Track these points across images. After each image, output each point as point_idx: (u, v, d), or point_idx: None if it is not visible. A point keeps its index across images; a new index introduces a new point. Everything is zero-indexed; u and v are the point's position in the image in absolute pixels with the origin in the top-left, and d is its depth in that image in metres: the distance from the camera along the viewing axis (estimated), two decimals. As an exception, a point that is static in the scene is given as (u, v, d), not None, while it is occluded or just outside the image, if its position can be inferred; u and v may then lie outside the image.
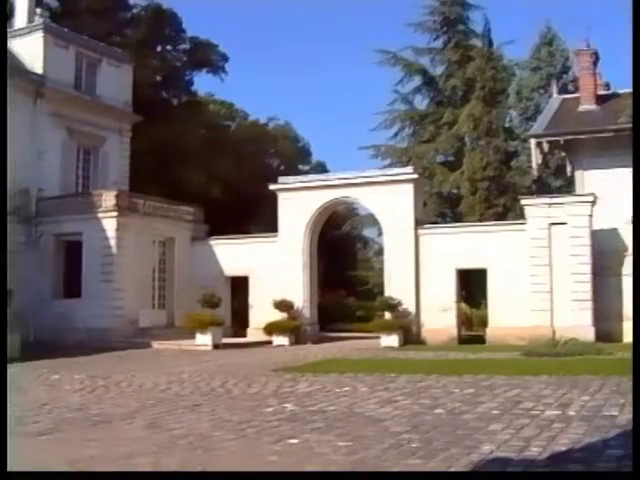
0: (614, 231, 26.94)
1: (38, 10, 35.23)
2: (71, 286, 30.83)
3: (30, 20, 34.63)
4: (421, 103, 50.37)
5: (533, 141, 29.98)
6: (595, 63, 30.49)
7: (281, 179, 32.37)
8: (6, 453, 7.50)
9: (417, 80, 49.71)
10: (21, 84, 31.94)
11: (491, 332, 27.52)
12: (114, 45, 39.91)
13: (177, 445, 9.68)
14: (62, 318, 28.91)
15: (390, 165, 45.06)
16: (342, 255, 51.48)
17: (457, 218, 41.39)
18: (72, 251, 31.08)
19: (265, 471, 8.16)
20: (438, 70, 49.28)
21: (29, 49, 33.30)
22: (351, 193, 30.93)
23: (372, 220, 36.54)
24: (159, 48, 51.51)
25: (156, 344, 27.78)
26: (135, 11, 50.46)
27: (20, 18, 35.29)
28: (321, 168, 57.58)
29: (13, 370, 19.66)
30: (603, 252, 26.55)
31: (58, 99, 33.16)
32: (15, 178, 30.59)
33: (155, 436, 10.35)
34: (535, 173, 35.44)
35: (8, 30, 34.38)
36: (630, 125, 20.28)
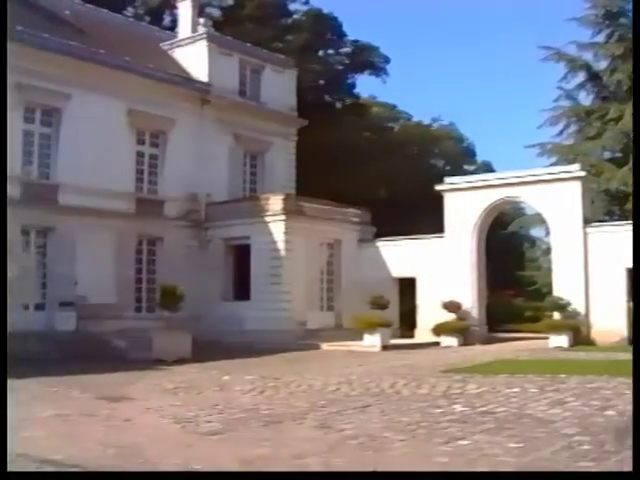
0: None
1: (201, 20, 36.01)
2: (239, 289, 31.22)
3: (194, 30, 35.44)
4: (586, 99, 48.37)
5: None
6: None
7: (447, 179, 31.76)
8: (6, 453, 7.45)
9: (581, 76, 47.73)
10: (187, 92, 32.67)
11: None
12: (276, 51, 40.35)
13: (347, 445, 9.52)
14: (231, 320, 29.26)
15: (556, 163, 43.37)
16: (509, 255, 50.36)
17: (625, 216, 39.37)
18: (240, 254, 31.47)
19: (266, 471, 8.17)
20: (602, 65, 47.22)
21: (193, 58, 33.99)
22: (518, 192, 29.93)
23: (539, 219, 35.27)
24: (321, 52, 51.95)
25: (324, 345, 27.66)
26: (296, 17, 51.11)
27: (184, 28, 36.20)
28: (486, 168, 56.21)
29: (183, 370, 20.07)
30: None
31: (224, 106, 33.69)
32: (184, 184, 31.41)
33: (326, 436, 10.24)
34: None
35: (172, 41, 35.48)
36: None
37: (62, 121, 28.19)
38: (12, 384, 16.69)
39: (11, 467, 7.90)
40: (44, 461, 8.70)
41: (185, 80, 32.93)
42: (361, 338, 27.29)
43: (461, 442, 9.40)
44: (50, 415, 12.51)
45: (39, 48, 27.07)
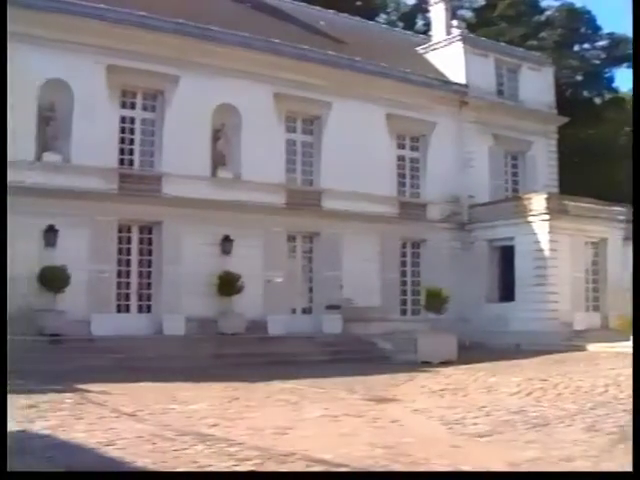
0: None
1: (454, 22, 35.85)
2: (504, 290, 30.50)
3: (447, 32, 35.31)
4: None
5: None
6: None
7: None
8: (6, 453, 7.29)
9: None
10: (445, 95, 32.44)
11: None
12: (531, 49, 39.44)
13: (616, 449, 9.07)
14: (496, 321, 28.64)
15: None
16: None
17: None
18: (504, 255, 30.76)
19: (269, 471, 8.10)
20: None
21: (449, 61, 33.74)
22: None
23: None
24: (576, 47, 50.40)
25: (591, 347, 26.44)
26: (548, 13, 49.87)
27: (437, 31, 36.17)
28: None
29: (448, 371, 19.75)
30: None
31: (482, 107, 33.14)
32: (446, 186, 31.19)
33: (594, 440, 9.82)
34: None
35: (427, 44, 35.49)
36: None
37: (323, 129, 28.85)
38: (282, 385, 17.40)
39: (280, 467, 8.17)
40: (314, 460, 8.80)
41: (443, 83, 32.74)
42: (628, 339, 25.79)
43: None
44: (318, 415, 12.69)
45: (298, 59, 27.87)
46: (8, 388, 9.17)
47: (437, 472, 8.06)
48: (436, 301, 24.33)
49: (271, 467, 8.51)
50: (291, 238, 27.61)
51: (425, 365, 21.67)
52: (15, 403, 13.84)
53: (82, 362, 20.90)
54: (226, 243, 25.76)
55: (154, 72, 25.43)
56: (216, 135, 26.45)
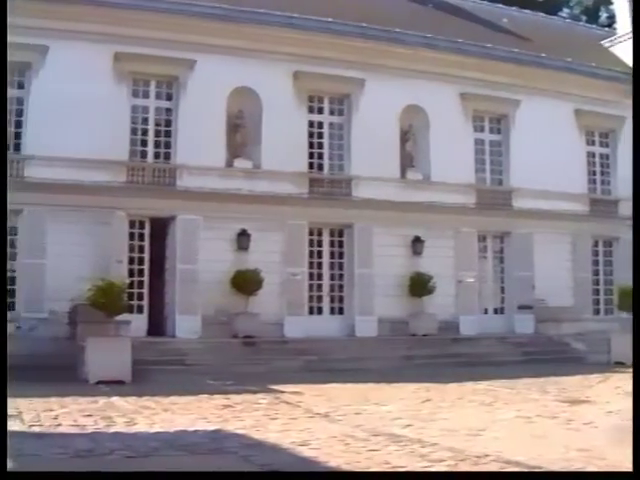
0: None
1: (644, 14, 34.48)
2: None
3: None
4: None
5: None
6: None
7: None
8: (6, 453, 7.14)
9: None
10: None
11: None
12: None
13: None
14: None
15: None
16: None
17: None
18: None
19: (269, 471, 8.10)
20: None
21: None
22: None
23: None
24: None
25: None
26: None
27: (622, 24, 34.83)
28: None
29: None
30: None
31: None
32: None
33: None
34: None
35: (612, 37, 34.34)
36: None
37: (511, 127, 28.39)
38: (474, 386, 17.18)
39: (473, 468, 8.07)
40: (507, 462, 8.66)
41: (630, 76, 31.56)
42: None
43: None
44: (512, 417, 12.58)
45: (483, 58, 27.55)
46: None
47: (437, 472, 8.01)
48: (630, 300, 23.42)
49: (464, 469, 8.43)
50: (482, 238, 27.29)
51: (619, 366, 21.27)
52: (211, 403, 14.34)
53: (275, 363, 21.43)
54: (417, 244, 25.75)
55: (340, 76, 25.76)
56: (404, 137, 26.48)
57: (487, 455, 8.99)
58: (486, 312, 27.18)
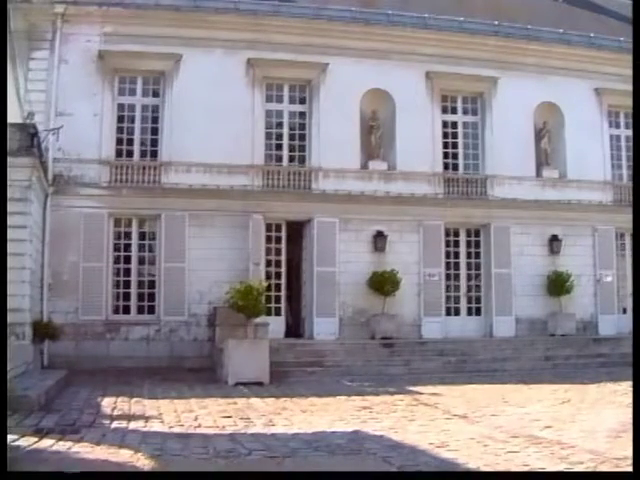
0: None
1: None
2: None
3: None
4: None
5: None
6: None
7: None
8: (6, 453, 7.19)
9: None
10: None
11: None
12: None
13: None
14: None
15: None
16: None
17: None
18: None
19: (267, 471, 8.14)
20: None
21: None
22: None
23: None
24: None
25: None
26: None
27: None
28: None
29: None
30: None
31: None
32: None
33: None
34: None
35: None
36: None
37: (647, 123, 27.65)
38: (614, 386, 16.90)
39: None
40: None
41: None
42: None
43: None
44: None
45: (618, 52, 26.77)
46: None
47: (437, 472, 7.97)
48: None
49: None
50: (619, 236, 26.68)
51: None
52: (349, 404, 14.44)
53: (413, 364, 21.47)
54: (554, 243, 25.41)
55: (473, 75, 25.59)
56: (539, 134, 26.13)
57: (627, 458, 8.66)
58: (625, 312, 26.52)
